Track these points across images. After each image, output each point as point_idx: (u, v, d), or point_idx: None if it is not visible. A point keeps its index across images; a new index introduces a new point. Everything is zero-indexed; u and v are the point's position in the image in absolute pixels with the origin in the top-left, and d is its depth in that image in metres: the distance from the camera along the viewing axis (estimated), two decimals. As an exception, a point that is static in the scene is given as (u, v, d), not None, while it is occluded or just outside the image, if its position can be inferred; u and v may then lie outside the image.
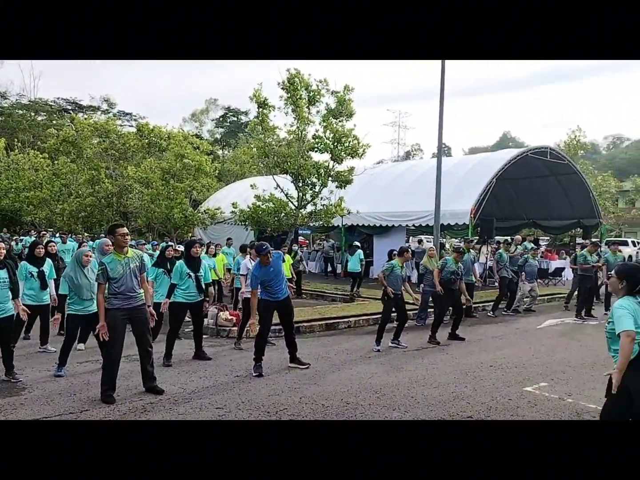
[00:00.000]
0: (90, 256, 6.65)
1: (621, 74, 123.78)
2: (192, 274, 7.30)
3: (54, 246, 8.30)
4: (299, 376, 6.63)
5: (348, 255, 15.57)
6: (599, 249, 12.94)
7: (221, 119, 52.09)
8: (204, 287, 7.52)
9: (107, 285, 5.66)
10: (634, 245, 28.57)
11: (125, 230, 5.74)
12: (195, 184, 18.85)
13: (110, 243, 6.33)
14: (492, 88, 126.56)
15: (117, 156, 23.41)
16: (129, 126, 36.78)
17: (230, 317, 9.26)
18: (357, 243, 15.85)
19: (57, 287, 7.20)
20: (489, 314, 12.13)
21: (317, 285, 15.88)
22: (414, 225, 17.76)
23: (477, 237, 19.71)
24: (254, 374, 6.62)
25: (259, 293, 7.02)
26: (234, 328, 9.06)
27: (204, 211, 19.49)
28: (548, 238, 27.78)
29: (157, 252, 11.02)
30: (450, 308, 10.02)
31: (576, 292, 12.57)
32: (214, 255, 11.44)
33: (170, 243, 11.43)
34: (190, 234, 20.88)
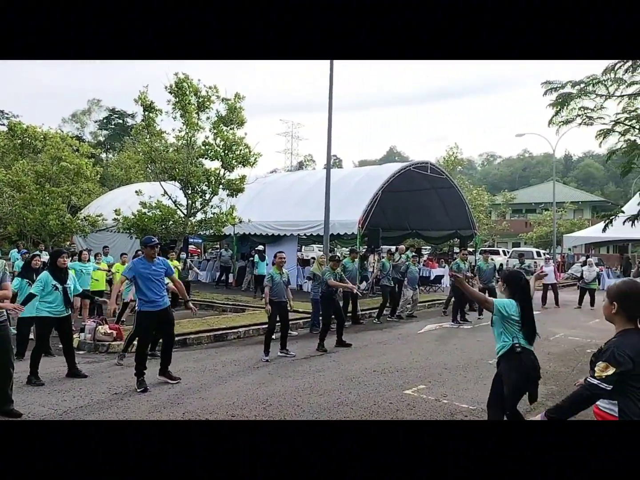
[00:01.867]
0: None
1: (494, 97, 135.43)
2: (59, 285, 6.81)
3: None
4: (182, 390, 6.40)
5: (258, 260, 15.84)
6: (467, 257, 14.11)
7: (105, 120, 49.36)
8: (72, 300, 7.07)
9: None
10: (504, 254, 31.22)
11: None
12: (74, 189, 17.64)
13: None
14: (381, 103, 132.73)
15: (-17, 157, 21.23)
16: (0, 125, 33.61)
17: (109, 331, 8.73)
18: (262, 247, 16.31)
19: None
20: (374, 321, 12.59)
21: (207, 295, 15.52)
22: (305, 235, 18.00)
23: (366, 247, 20.53)
24: (138, 390, 6.30)
25: (137, 303, 6.81)
26: (114, 342, 8.56)
27: (84, 218, 18.29)
28: (429, 247, 29.48)
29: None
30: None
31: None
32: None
33: (36, 252, 10.63)
34: (68, 242, 19.50)
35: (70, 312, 7.01)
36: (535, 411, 5.79)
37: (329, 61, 13.33)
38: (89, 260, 11.22)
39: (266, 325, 9.22)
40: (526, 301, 4.35)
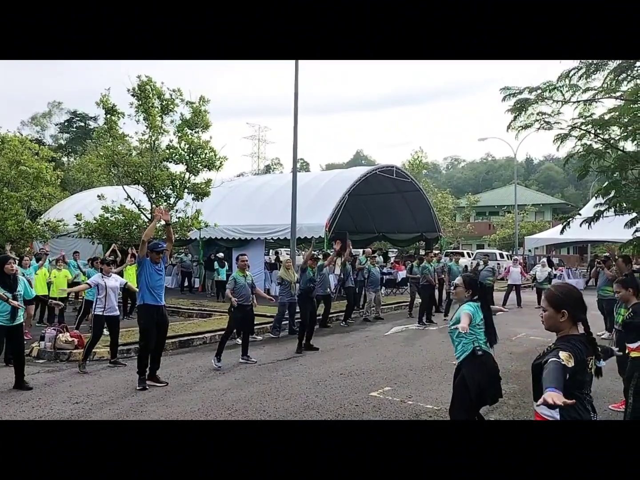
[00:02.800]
0: None
1: (459, 101, 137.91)
2: (8, 294, 6.61)
3: None
4: (147, 398, 6.30)
5: (218, 267, 16.08)
6: (435, 259, 14.33)
7: (66, 123, 48.14)
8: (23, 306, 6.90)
9: None
10: (469, 256, 31.79)
11: None
12: (33, 193, 17.18)
13: None
14: (347, 107, 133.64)
15: (-63, 160, 20.47)
16: (-46, 127, 32.46)
17: (70, 339, 8.51)
18: (221, 254, 16.58)
19: None
20: (341, 324, 12.63)
21: (172, 301, 15.29)
22: (272, 239, 17.95)
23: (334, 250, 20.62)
24: (138, 388, 6.62)
25: (141, 296, 7.00)
26: (75, 351, 8.35)
27: (44, 223, 17.82)
28: (396, 250, 29.78)
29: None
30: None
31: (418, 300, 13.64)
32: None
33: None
34: (28, 248, 18.96)
35: (22, 319, 6.82)
36: (497, 410, 5.92)
37: (294, 63, 13.33)
38: (29, 266, 10.98)
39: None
40: (489, 304, 4.63)
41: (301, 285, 9.75)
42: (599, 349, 2.59)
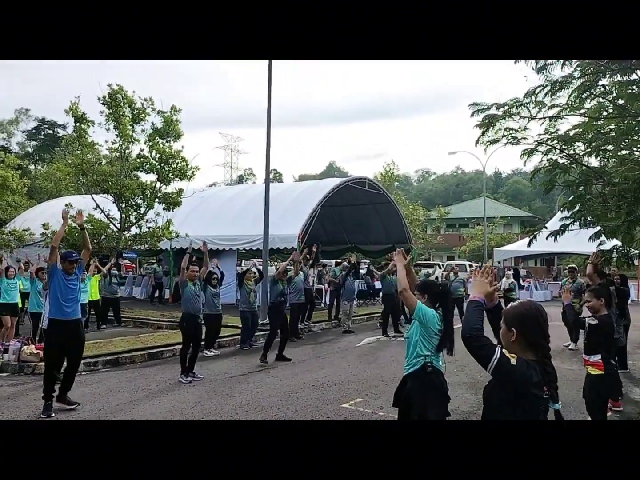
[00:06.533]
0: None
1: (429, 115, 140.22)
2: None
3: None
4: (113, 411, 6.16)
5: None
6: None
7: (34, 131, 47.17)
8: None
9: None
10: (439, 267, 32.18)
11: None
12: (-2, 202, 16.79)
13: None
14: (321, 119, 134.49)
15: None
16: None
17: (36, 351, 8.28)
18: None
19: None
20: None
21: (141, 312, 15.04)
22: (244, 249, 17.85)
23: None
24: (42, 416, 5.90)
25: (47, 311, 6.45)
26: (40, 363, 8.13)
27: (9, 232, 17.37)
28: (368, 261, 29.94)
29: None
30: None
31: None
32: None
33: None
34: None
35: None
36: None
37: (267, 76, 13.37)
38: (14, 277, 10.72)
39: (203, 342, 9.03)
40: (448, 308, 4.03)
41: (272, 299, 9.71)
42: (554, 387, 2.32)
